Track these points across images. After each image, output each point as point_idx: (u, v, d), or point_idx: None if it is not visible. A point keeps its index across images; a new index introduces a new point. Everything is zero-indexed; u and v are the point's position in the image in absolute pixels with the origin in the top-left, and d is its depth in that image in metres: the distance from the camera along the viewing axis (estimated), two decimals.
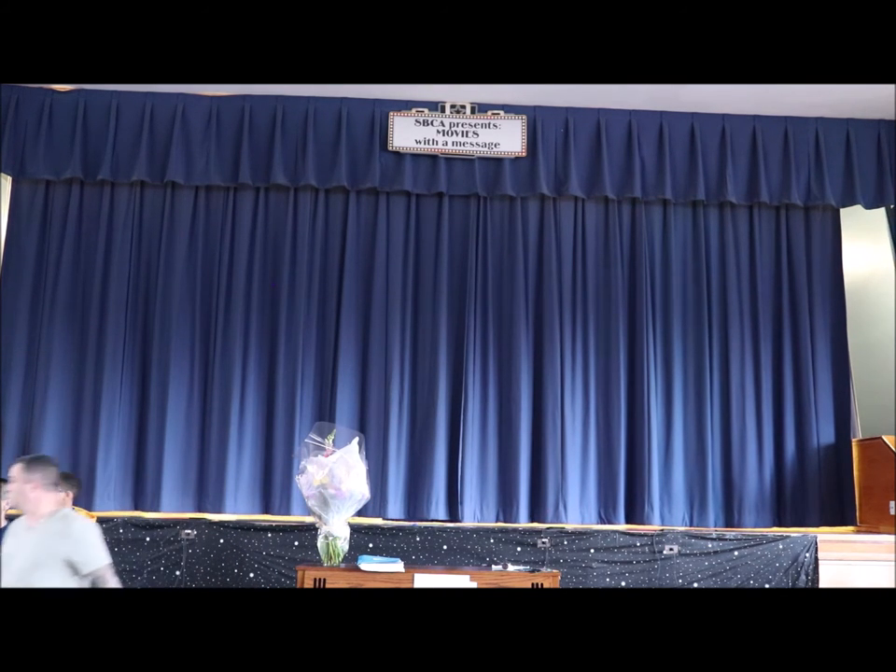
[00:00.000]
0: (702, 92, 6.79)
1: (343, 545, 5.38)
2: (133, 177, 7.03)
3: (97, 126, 7.08)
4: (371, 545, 6.27)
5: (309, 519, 6.17)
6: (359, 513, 5.78)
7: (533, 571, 5.33)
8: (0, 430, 6.84)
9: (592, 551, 6.43)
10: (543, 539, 6.49)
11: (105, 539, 6.21)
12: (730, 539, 6.48)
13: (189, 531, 6.41)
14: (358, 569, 5.12)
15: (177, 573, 6.33)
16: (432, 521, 6.79)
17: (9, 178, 7.25)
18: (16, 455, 6.78)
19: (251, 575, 6.36)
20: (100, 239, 7.15)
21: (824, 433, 7.21)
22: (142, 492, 6.88)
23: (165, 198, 7.25)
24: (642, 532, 6.57)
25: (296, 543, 6.42)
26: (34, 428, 6.85)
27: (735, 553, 6.42)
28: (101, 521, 6.35)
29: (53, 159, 7.03)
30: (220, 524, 6.50)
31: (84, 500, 6.62)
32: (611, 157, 7.26)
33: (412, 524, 6.69)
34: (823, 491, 7.10)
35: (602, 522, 6.95)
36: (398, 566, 5.21)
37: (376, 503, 6.45)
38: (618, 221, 7.40)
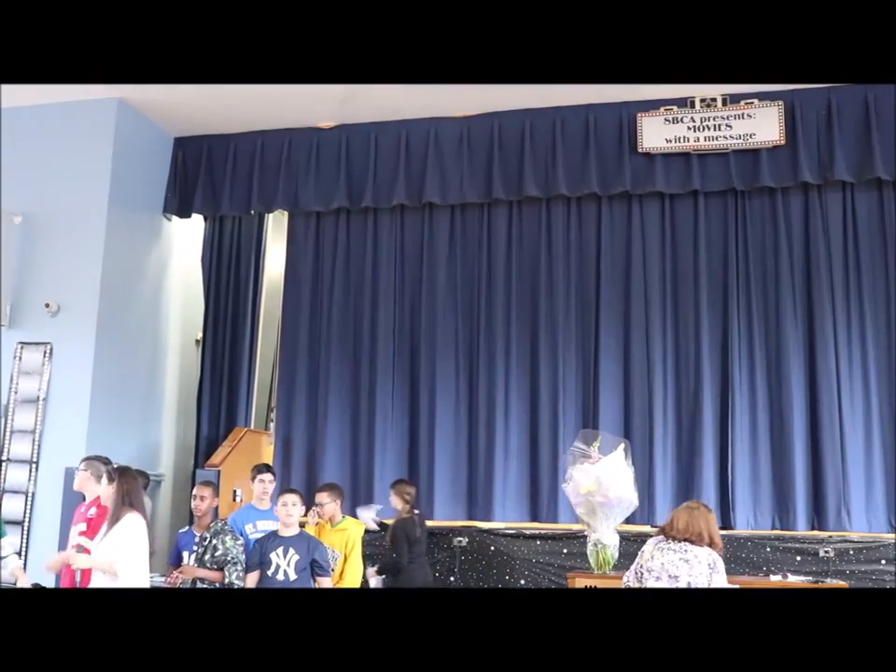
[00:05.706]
0: None
1: (612, 553, 5.36)
2: (393, 202, 7.42)
3: (359, 157, 7.53)
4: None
5: (577, 526, 6.20)
6: (627, 521, 5.73)
7: (816, 582, 5.05)
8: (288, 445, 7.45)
9: (883, 562, 5.98)
10: (826, 549, 6.12)
11: None
12: None
13: (461, 538, 6.64)
14: None
15: (451, 579, 6.57)
16: None
17: (285, 213, 7.91)
18: (304, 467, 7.37)
19: (521, 581, 6.48)
20: (367, 262, 7.62)
21: None
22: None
23: (424, 218, 7.58)
24: None
25: (564, 551, 6.47)
26: (317, 442, 7.40)
27: None
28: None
29: (322, 191, 7.56)
30: (490, 531, 6.68)
31: None
32: (882, 135, 6.68)
33: None
34: None
35: (894, 530, 6.38)
36: None
37: (644, 510, 6.34)
38: (894, 205, 6.81)
